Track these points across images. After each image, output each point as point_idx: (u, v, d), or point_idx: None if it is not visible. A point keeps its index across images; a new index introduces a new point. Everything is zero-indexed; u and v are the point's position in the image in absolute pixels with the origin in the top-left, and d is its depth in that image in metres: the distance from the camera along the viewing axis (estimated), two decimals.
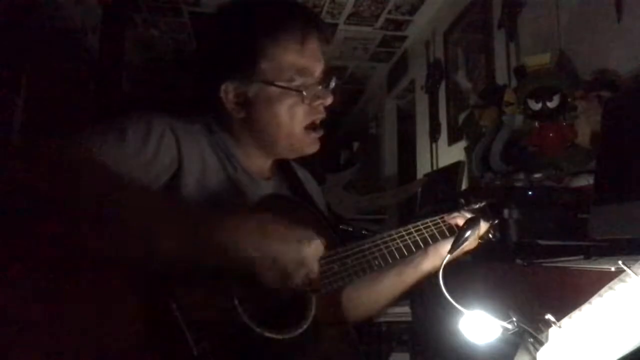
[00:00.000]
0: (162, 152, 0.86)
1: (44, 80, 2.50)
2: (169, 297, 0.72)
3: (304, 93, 0.94)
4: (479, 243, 1.06)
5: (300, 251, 0.76)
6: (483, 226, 1.04)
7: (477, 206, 1.10)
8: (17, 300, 0.64)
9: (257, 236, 0.73)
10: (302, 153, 1.02)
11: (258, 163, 1.02)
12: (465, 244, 0.96)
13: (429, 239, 1.02)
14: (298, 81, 0.94)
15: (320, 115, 0.99)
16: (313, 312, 0.86)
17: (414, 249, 1.00)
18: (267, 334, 0.78)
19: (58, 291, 0.66)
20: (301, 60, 0.94)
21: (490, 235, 1.09)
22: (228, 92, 0.94)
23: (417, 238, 1.01)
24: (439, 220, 1.05)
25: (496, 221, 1.09)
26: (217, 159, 0.96)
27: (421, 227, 1.03)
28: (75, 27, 2.98)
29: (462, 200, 1.12)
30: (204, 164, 0.93)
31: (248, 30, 0.94)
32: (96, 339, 0.66)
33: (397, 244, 0.99)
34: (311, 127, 0.98)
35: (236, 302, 0.78)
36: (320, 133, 1.00)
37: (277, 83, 0.93)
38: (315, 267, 0.79)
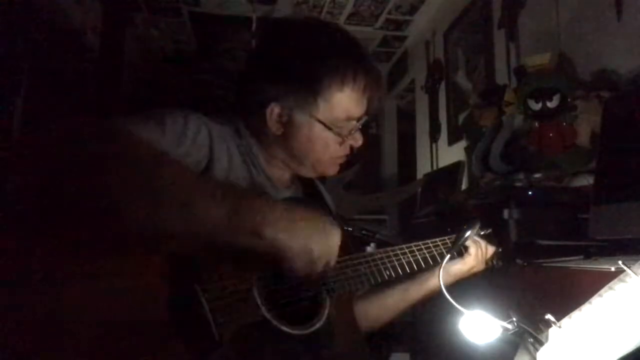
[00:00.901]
0: (197, 147, 0.88)
1: (44, 80, 2.50)
2: (195, 281, 0.74)
3: (343, 137, 0.98)
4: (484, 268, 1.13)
5: (328, 237, 0.79)
6: (490, 250, 1.13)
7: (483, 233, 1.16)
8: (48, 276, 0.65)
9: (289, 221, 0.75)
10: (321, 175, 1.06)
11: (279, 171, 1.05)
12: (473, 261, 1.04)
13: (438, 257, 1.07)
14: (342, 124, 0.97)
15: (348, 152, 1.02)
16: (327, 311, 0.89)
17: (423, 265, 1.05)
18: (284, 328, 0.80)
19: (90, 271, 0.67)
20: (354, 110, 0.97)
21: (493, 263, 1.16)
22: (274, 111, 0.96)
23: (427, 255, 1.06)
24: (448, 241, 1.10)
25: (500, 249, 1.16)
26: (242, 160, 0.98)
27: (430, 245, 1.08)
28: (75, 27, 2.98)
29: (479, 225, 1.14)
30: (231, 164, 0.95)
31: (320, 65, 0.95)
32: (123, 318, 0.68)
33: (408, 257, 1.03)
34: (338, 157, 1.02)
35: (256, 294, 0.80)
36: (343, 160, 1.04)
37: (324, 122, 0.95)
38: (336, 255, 0.82)
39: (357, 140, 1.01)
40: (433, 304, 1.12)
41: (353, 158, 1.06)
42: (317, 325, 0.86)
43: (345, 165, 1.06)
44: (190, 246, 0.74)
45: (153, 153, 0.73)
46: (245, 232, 0.72)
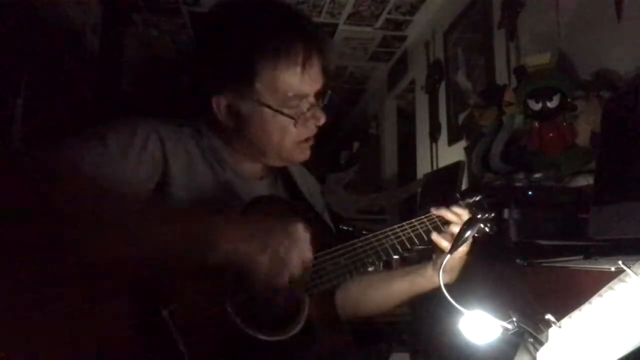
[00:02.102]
0: (147, 155, 0.86)
1: (44, 80, 2.50)
2: (159, 302, 0.72)
3: (295, 115, 0.92)
4: (476, 237, 1.02)
5: (292, 237, 0.75)
6: (464, 213, 1.02)
7: (472, 200, 1.08)
8: (8, 306, 0.64)
9: (245, 230, 0.73)
10: (291, 162, 1.02)
11: (249, 165, 1.02)
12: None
13: (424, 235, 1.00)
14: (293, 103, 0.92)
15: (312, 132, 0.97)
16: (306, 312, 0.85)
17: (408, 246, 0.98)
18: (261, 337, 0.78)
19: (49, 298, 0.66)
20: (299, 85, 0.92)
21: (487, 229, 1.06)
22: (220, 104, 0.93)
23: (412, 234, 0.99)
24: (434, 216, 1.03)
25: (492, 214, 1.06)
26: (206, 163, 0.95)
27: (415, 223, 1.01)
28: (75, 27, 2.98)
29: (458, 195, 1.11)
30: (192, 167, 0.92)
31: (248, 48, 0.90)
32: (87, 345, 0.66)
33: (391, 240, 0.97)
34: (303, 141, 0.97)
35: (228, 305, 0.77)
36: (310, 143, 0.99)
37: (271, 105, 0.91)
38: (307, 249, 0.78)
39: (318, 119, 0.95)
40: (433, 304, 1.11)
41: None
42: (297, 329, 0.82)
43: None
44: (151, 269, 0.71)
45: (91, 186, 0.71)
46: (202, 250, 0.70)
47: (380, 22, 3.62)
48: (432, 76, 3.41)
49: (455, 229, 0.99)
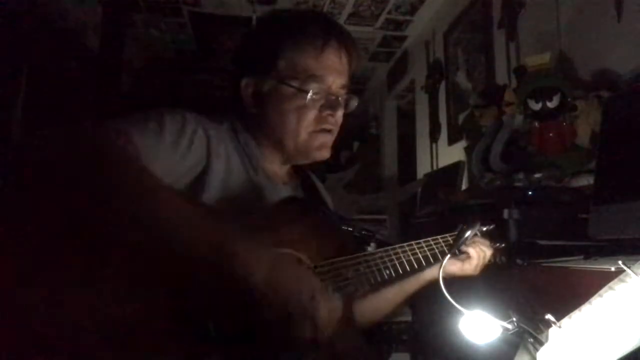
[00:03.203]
0: (194, 149, 0.88)
1: (44, 80, 2.50)
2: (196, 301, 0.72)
3: (310, 96, 0.95)
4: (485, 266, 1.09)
5: (311, 307, 0.71)
6: (488, 251, 1.08)
7: (485, 229, 1.13)
8: (41, 289, 0.64)
9: (268, 269, 0.69)
10: (310, 157, 1.03)
11: (276, 167, 1.04)
12: (471, 266, 1.03)
13: (439, 255, 1.05)
14: (311, 85, 0.95)
15: (330, 126, 0.99)
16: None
17: (424, 263, 1.03)
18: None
19: (80, 277, 0.66)
20: (317, 66, 0.96)
21: (496, 259, 1.13)
22: (248, 87, 0.98)
23: (428, 253, 1.04)
24: (449, 238, 1.08)
25: (502, 245, 1.13)
26: (240, 160, 0.97)
27: (431, 242, 1.06)
28: (75, 27, 2.98)
29: (480, 222, 1.13)
30: (228, 164, 0.94)
31: (271, 30, 1.00)
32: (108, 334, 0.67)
33: (408, 256, 1.01)
34: (319, 131, 0.99)
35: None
36: (328, 138, 1.01)
37: (289, 82, 0.95)
38: (328, 328, 0.73)
39: (335, 109, 0.98)
40: (433, 304, 1.12)
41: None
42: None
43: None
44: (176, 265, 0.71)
45: (137, 172, 0.72)
46: (224, 267, 0.68)
47: (380, 22, 3.62)
48: (432, 76, 3.42)
49: (471, 250, 1.06)
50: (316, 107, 0.97)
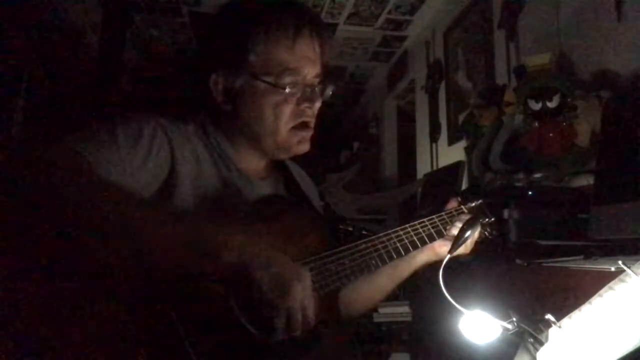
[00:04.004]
0: (154, 153, 0.85)
1: (44, 80, 2.50)
2: (168, 302, 0.72)
3: (287, 91, 0.91)
4: (477, 243, 1.06)
5: (285, 290, 0.71)
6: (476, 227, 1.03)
7: (474, 204, 1.10)
8: (16, 305, 0.64)
9: (240, 254, 0.70)
10: (290, 153, 0.99)
11: (252, 163, 1.01)
12: (462, 246, 0.97)
13: (426, 238, 1.01)
14: (286, 79, 0.91)
15: (308, 118, 0.96)
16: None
17: (411, 249, 0.99)
18: (265, 336, 0.77)
19: (56, 297, 0.66)
20: (291, 58, 0.91)
21: (487, 234, 1.10)
22: (218, 83, 0.93)
23: (415, 238, 1.00)
24: (436, 219, 1.05)
25: (492, 219, 1.09)
26: (211, 160, 0.95)
27: (418, 226, 1.02)
28: (75, 27, 2.98)
29: (459, 198, 1.12)
30: (198, 165, 0.92)
31: (240, 22, 0.92)
32: (95, 345, 0.66)
33: (395, 243, 0.98)
34: (298, 127, 0.96)
35: (233, 304, 0.77)
36: (308, 132, 0.98)
37: (262, 78, 0.91)
38: (308, 307, 0.73)
39: (312, 100, 0.94)
40: (433, 304, 1.11)
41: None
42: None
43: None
44: (153, 271, 0.71)
45: (93, 185, 0.72)
46: (201, 258, 0.69)
47: (380, 22, 3.62)
48: (432, 76, 3.41)
49: (455, 231, 1.00)
50: (293, 100, 0.93)
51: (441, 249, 1.03)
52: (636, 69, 1.56)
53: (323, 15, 3.45)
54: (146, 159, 0.84)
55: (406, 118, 4.41)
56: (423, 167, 3.56)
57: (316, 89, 0.96)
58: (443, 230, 1.04)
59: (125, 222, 0.69)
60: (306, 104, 0.94)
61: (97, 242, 0.67)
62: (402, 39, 3.91)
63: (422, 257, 1.05)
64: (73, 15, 2.95)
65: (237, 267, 0.69)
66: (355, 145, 5.17)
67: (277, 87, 0.91)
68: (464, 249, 1.01)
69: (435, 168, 3.28)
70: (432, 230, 1.03)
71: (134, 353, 0.69)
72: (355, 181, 3.62)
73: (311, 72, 0.95)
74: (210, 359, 0.72)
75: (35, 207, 0.67)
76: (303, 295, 0.72)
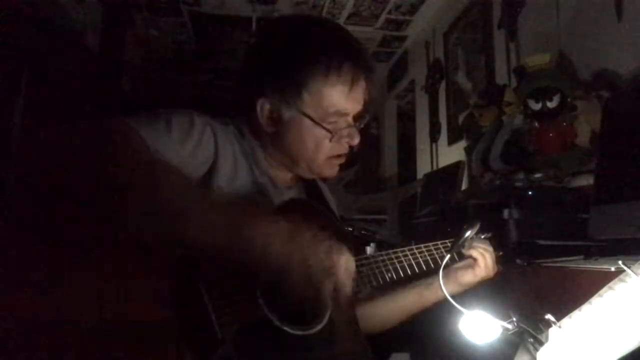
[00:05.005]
0: (202, 148, 0.88)
1: (44, 80, 2.50)
2: (199, 280, 0.74)
3: (332, 129, 0.95)
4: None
5: (329, 261, 0.75)
6: (490, 249, 1.07)
7: (484, 236, 1.13)
8: (51, 277, 0.65)
9: (286, 238, 0.73)
10: (320, 176, 1.05)
11: (282, 173, 1.04)
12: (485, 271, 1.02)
13: (439, 260, 1.05)
14: (333, 119, 0.95)
15: (345, 151, 1.00)
16: (329, 312, 0.88)
17: (424, 268, 1.03)
18: (286, 328, 0.80)
19: (91, 271, 0.68)
20: (343, 104, 0.95)
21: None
22: (263, 107, 0.96)
23: (428, 257, 1.05)
24: (449, 244, 1.08)
25: (500, 252, 1.12)
26: (247, 165, 0.98)
27: (432, 247, 1.07)
28: (75, 27, 2.98)
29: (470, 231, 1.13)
30: (235, 164, 0.95)
31: (303, 60, 0.94)
32: (125, 319, 0.68)
33: (410, 260, 1.02)
34: (334, 157, 1.00)
35: (259, 294, 0.79)
36: (341, 161, 1.02)
37: (312, 117, 0.94)
38: (347, 281, 0.78)
39: (353, 138, 0.99)
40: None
41: (353, 158, 1.06)
42: (319, 326, 0.85)
43: (345, 166, 1.05)
44: (191, 250, 0.73)
45: (149, 159, 0.73)
46: (238, 246, 0.71)
47: (380, 22, 3.62)
48: (432, 76, 3.42)
49: (473, 252, 1.05)
50: (335, 138, 0.97)
51: (464, 278, 1.05)
52: (636, 69, 1.56)
53: (323, 15, 3.45)
54: (194, 152, 0.86)
55: (406, 118, 4.41)
56: (423, 167, 3.56)
57: (356, 125, 0.99)
58: (455, 256, 1.07)
59: (179, 200, 0.70)
60: (347, 140, 0.99)
61: (144, 216, 0.67)
62: (402, 39, 3.91)
63: (446, 288, 1.04)
64: (73, 15, 2.94)
65: (284, 254, 0.72)
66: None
67: (323, 128, 0.95)
68: (485, 272, 1.05)
69: (435, 168, 3.28)
70: (445, 254, 1.05)
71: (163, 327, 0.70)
72: (355, 181, 3.62)
73: (357, 112, 0.99)
74: (233, 342, 0.74)
75: (90, 182, 0.67)
76: (347, 271, 0.77)
